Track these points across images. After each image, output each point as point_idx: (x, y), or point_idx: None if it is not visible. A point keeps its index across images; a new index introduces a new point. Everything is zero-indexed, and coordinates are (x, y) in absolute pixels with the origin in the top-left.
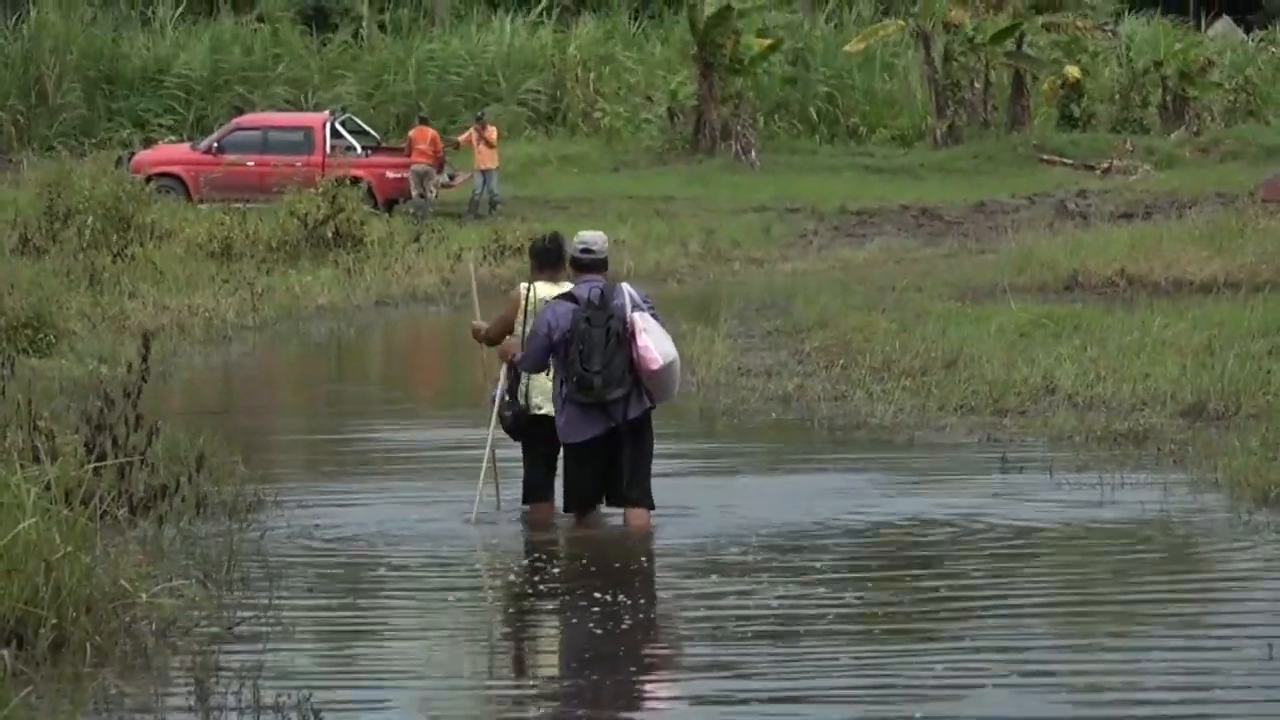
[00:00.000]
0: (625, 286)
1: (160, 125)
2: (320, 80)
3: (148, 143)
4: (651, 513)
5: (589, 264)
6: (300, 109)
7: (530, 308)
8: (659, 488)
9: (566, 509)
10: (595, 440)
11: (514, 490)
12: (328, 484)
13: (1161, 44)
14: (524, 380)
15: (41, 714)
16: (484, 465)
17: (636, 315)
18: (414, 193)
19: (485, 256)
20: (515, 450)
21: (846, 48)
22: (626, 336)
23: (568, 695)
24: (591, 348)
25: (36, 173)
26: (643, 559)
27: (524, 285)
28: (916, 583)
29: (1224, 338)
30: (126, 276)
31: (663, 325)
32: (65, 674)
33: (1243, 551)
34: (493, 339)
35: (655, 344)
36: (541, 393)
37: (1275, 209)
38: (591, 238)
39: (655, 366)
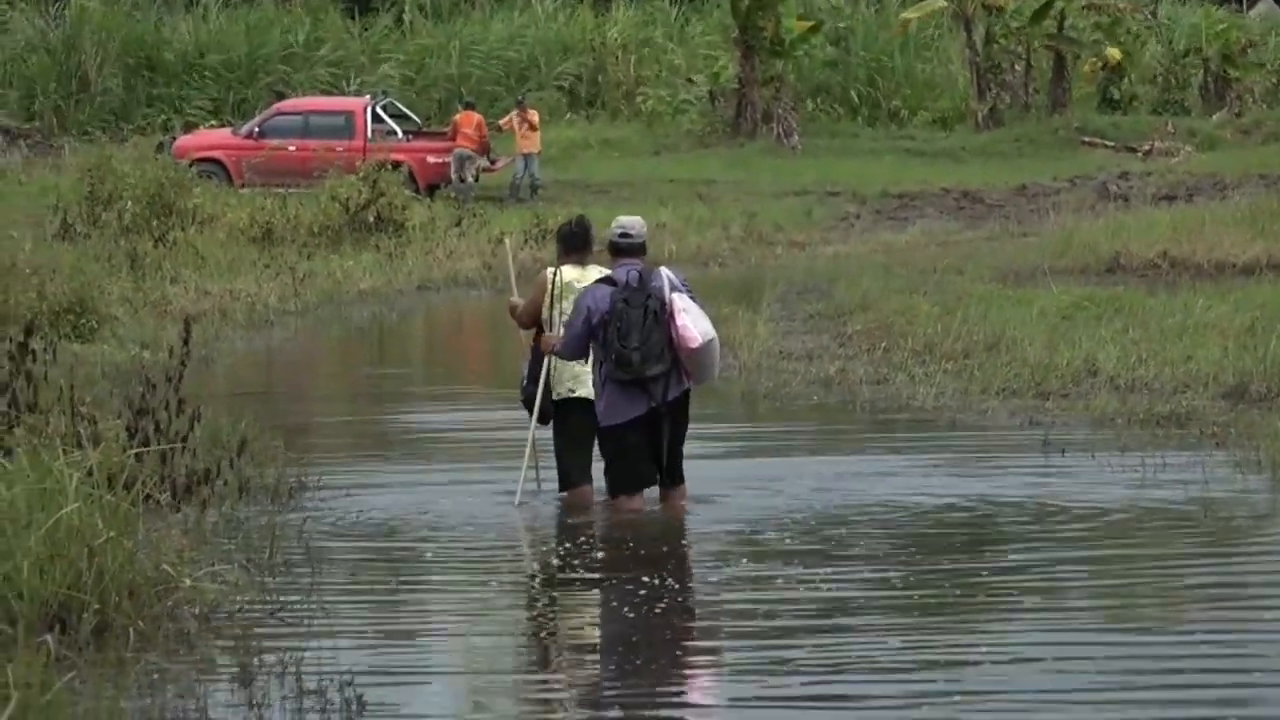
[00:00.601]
0: (663, 270)
1: (201, 110)
2: (362, 64)
3: (188, 128)
4: (686, 486)
5: (627, 248)
6: (341, 93)
7: (557, 291)
8: (704, 470)
9: (612, 493)
10: (637, 420)
11: (554, 475)
12: (370, 468)
13: (1203, 25)
14: (548, 363)
15: (85, 699)
16: (527, 449)
17: (675, 296)
18: (454, 176)
19: (526, 240)
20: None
21: (902, 15)
22: (665, 316)
23: (611, 683)
24: (629, 326)
25: (77, 158)
26: (684, 543)
27: (550, 270)
28: (956, 564)
29: (1266, 319)
30: (168, 261)
31: (701, 307)
32: (108, 659)
33: None
34: (523, 324)
35: (694, 323)
36: (572, 376)
37: None
38: (630, 222)
39: (695, 345)
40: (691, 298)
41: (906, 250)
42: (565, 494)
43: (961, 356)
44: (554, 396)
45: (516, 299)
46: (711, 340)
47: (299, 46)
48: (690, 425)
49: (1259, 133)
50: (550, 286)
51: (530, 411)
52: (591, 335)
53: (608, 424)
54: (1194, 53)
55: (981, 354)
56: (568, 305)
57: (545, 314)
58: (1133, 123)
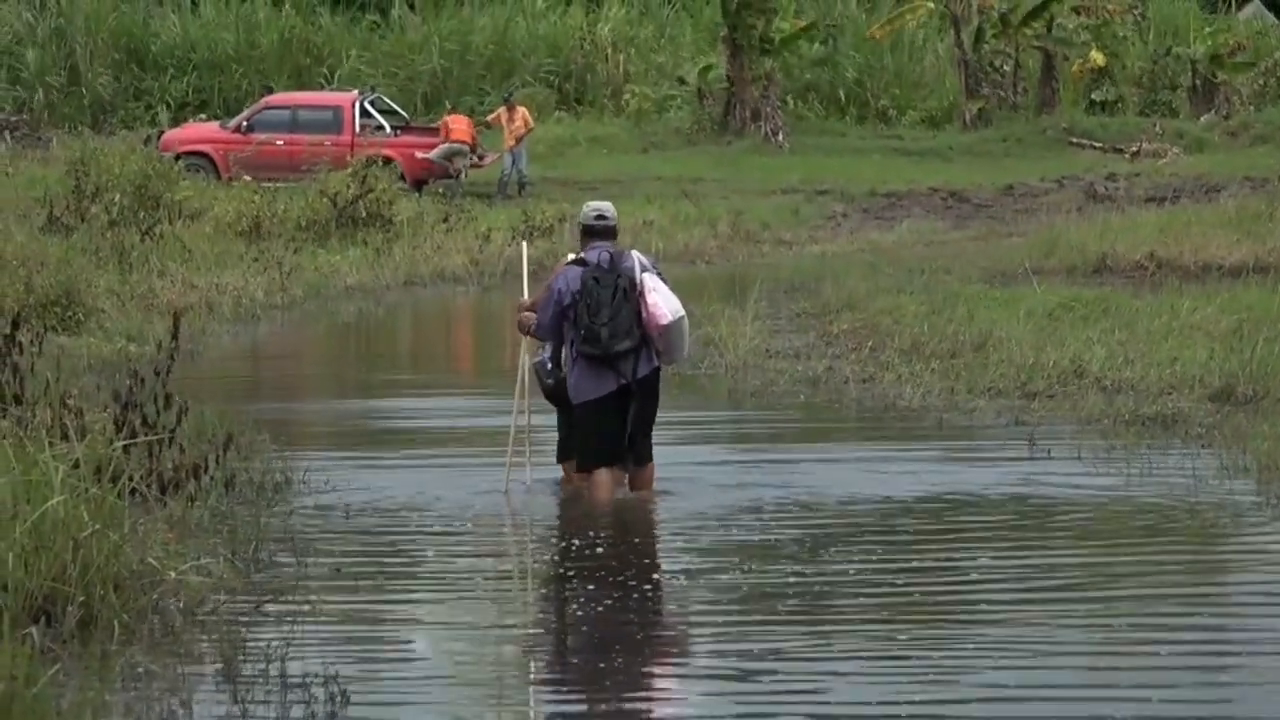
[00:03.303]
0: (634, 252)
1: (188, 104)
2: (349, 59)
3: (175, 122)
4: (654, 465)
5: (601, 230)
6: (327, 88)
7: None
8: (688, 463)
9: (580, 469)
10: (606, 398)
11: (539, 464)
12: (355, 461)
13: (1190, 27)
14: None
15: (70, 691)
16: (511, 437)
17: (645, 276)
18: (440, 161)
19: (514, 237)
20: (541, 420)
21: (868, 32)
22: (634, 294)
23: (591, 674)
24: (599, 303)
25: (65, 150)
26: (666, 534)
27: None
28: (939, 561)
29: (1253, 322)
30: (155, 255)
31: (672, 289)
32: (93, 652)
33: (1271, 535)
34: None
35: (664, 301)
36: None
37: None
38: (603, 206)
39: (665, 322)
40: (661, 278)
41: (893, 249)
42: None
43: (948, 356)
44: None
45: (525, 300)
46: (681, 318)
47: (287, 41)
48: (681, 423)
49: (1246, 135)
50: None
51: (553, 401)
52: (564, 315)
53: (578, 400)
54: (1181, 54)
55: (968, 354)
56: None
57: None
58: (1120, 124)
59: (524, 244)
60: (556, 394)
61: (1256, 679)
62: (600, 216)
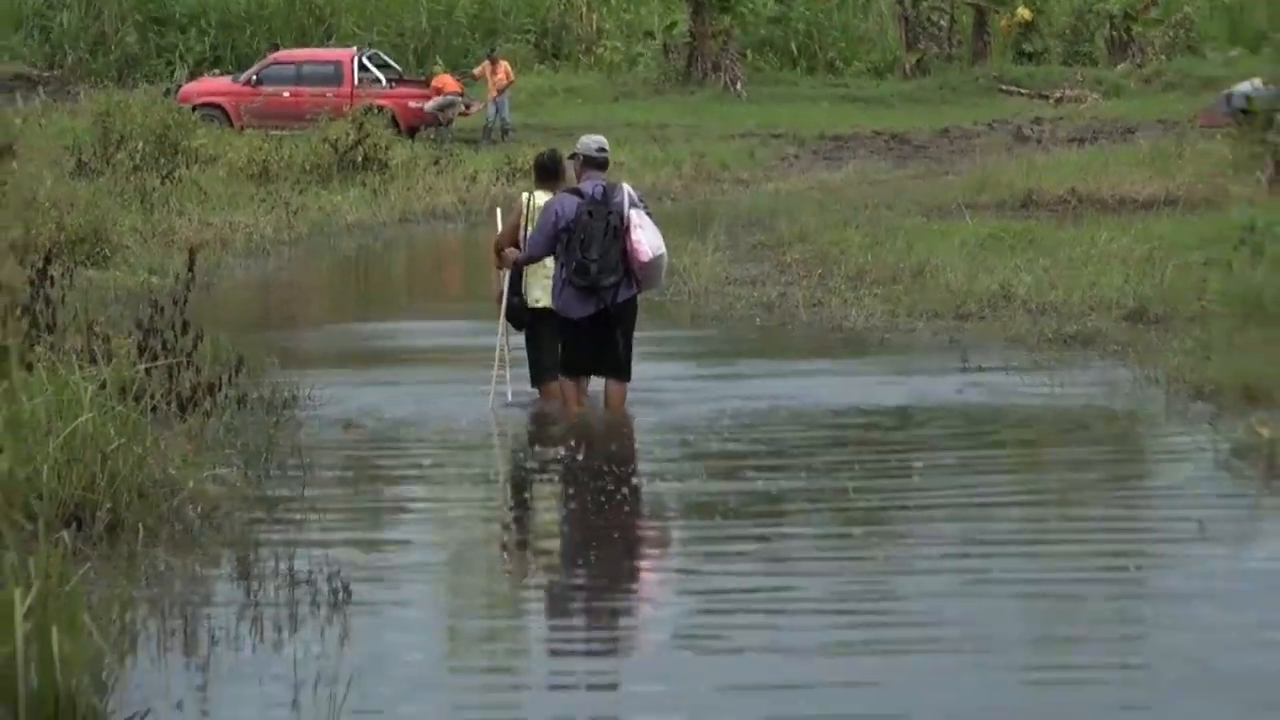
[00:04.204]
0: (625, 186)
1: (204, 60)
2: (346, 20)
3: (192, 76)
4: (629, 384)
5: (601, 162)
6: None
7: (529, 214)
8: (657, 377)
9: (564, 373)
10: (588, 319)
11: (521, 378)
12: (356, 379)
13: None
14: (524, 277)
15: (98, 588)
16: (496, 357)
17: (633, 212)
18: (433, 112)
19: (498, 177)
20: (521, 340)
21: None
22: (623, 230)
23: (571, 573)
24: (591, 238)
25: (92, 103)
26: (637, 443)
27: (525, 194)
28: (881, 464)
29: (1163, 250)
30: (174, 196)
31: (655, 223)
32: (119, 553)
33: (1178, 440)
34: (500, 244)
35: (647, 239)
36: (540, 287)
37: (1210, 134)
38: (601, 139)
39: (646, 258)
40: (647, 213)
41: (840, 187)
42: (535, 388)
43: (889, 282)
44: (529, 304)
45: (503, 239)
46: (661, 255)
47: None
48: (649, 342)
49: (1158, 82)
50: (525, 209)
51: (513, 323)
52: (556, 238)
53: (564, 316)
54: (1100, 10)
55: (907, 280)
56: None
57: (520, 233)
58: (1045, 73)
59: (498, 212)
60: (518, 319)
61: (1163, 555)
62: (601, 149)
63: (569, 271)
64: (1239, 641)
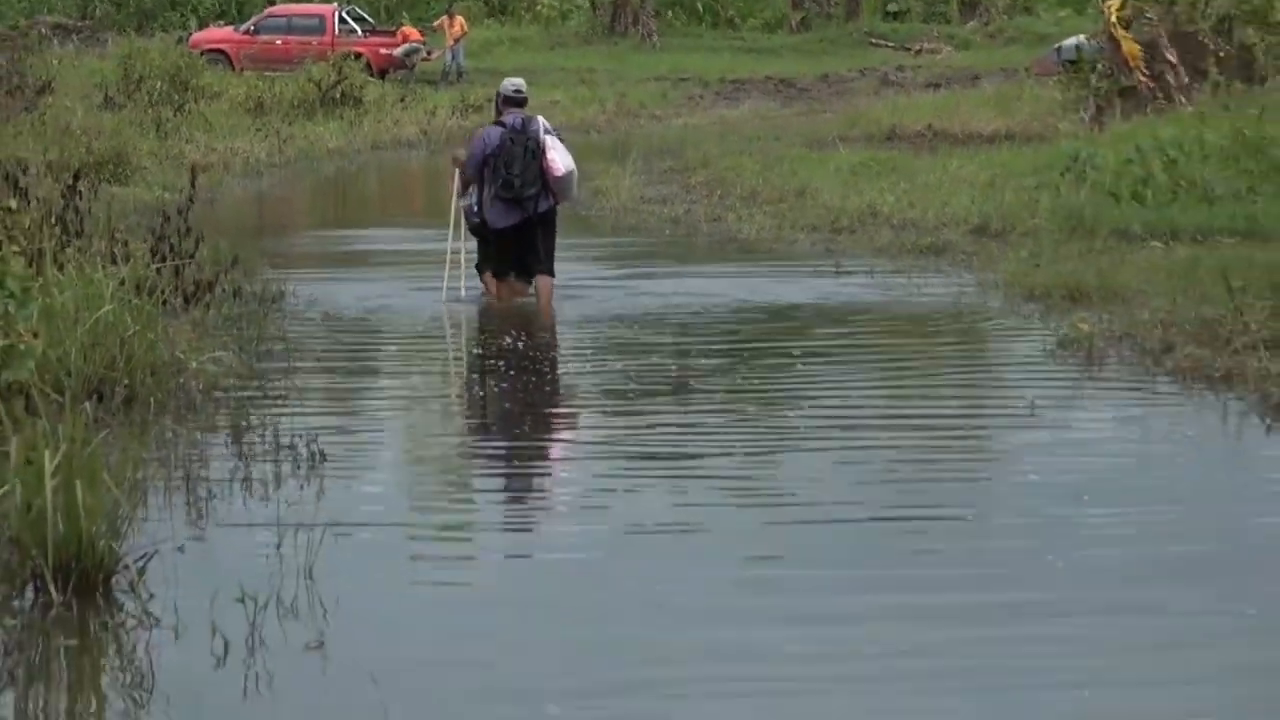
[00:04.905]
0: (539, 118)
1: (211, 12)
2: None
3: (201, 26)
4: (554, 280)
5: (518, 100)
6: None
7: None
8: (586, 279)
9: (489, 271)
10: (513, 227)
11: (469, 279)
12: (335, 276)
13: None
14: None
15: (115, 451)
16: (448, 259)
17: (547, 138)
18: (401, 57)
19: (453, 112)
20: (471, 245)
21: None
22: (539, 152)
23: (511, 435)
24: (513, 159)
25: (117, 49)
26: (562, 331)
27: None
28: (769, 346)
29: (1003, 176)
30: (184, 126)
31: (566, 148)
32: (134, 421)
33: (1014, 332)
34: (461, 162)
35: (560, 158)
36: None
37: (1043, 81)
38: (519, 82)
39: (559, 173)
40: (559, 139)
41: (737, 123)
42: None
43: (776, 201)
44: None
45: (460, 155)
46: (571, 171)
47: None
48: (576, 248)
49: (1001, 37)
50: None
51: (476, 234)
52: (484, 163)
53: (494, 227)
54: None
55: (791, 200)
56: None
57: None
58: (908, 28)
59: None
60: (478, 230)
61: (1000, 426)
62: (517, 90)
63: (495, 187)
64: (1061, 497)
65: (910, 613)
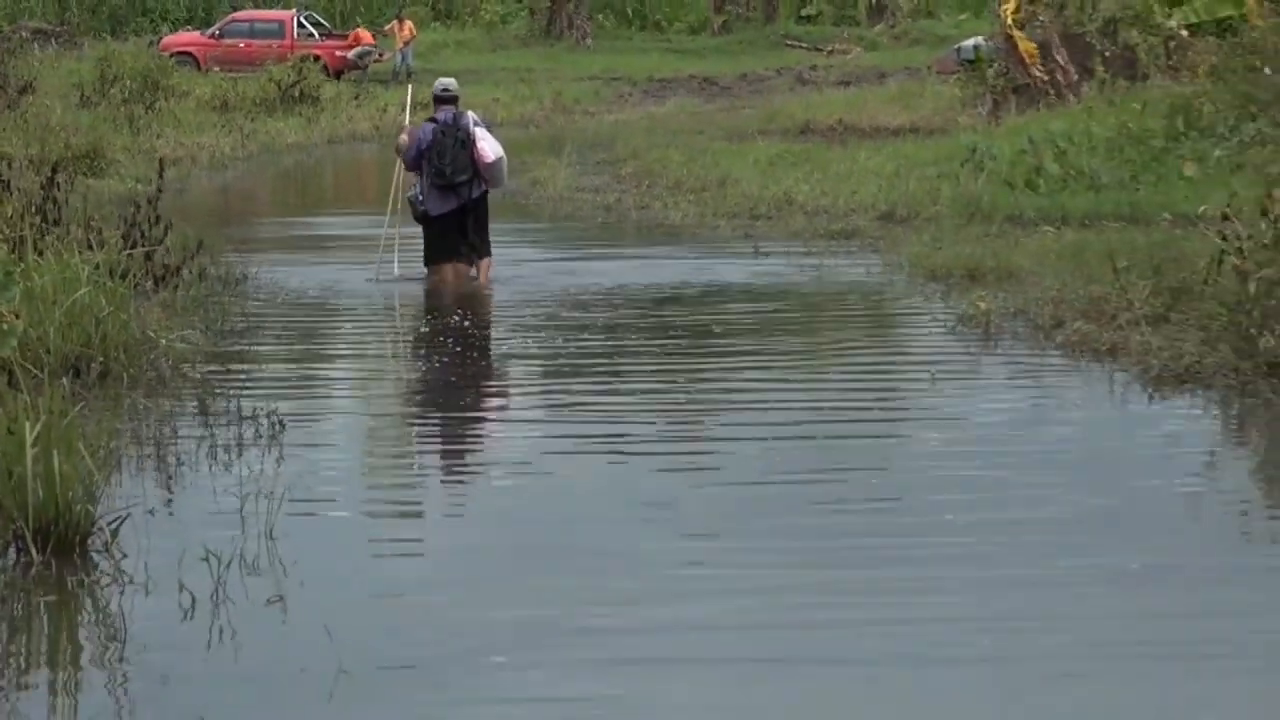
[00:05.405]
0: (470, 113)
1: (180, 18)
2: None
3: (171, 30)
4: (491, 259)
5: (447, 99)
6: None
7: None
8: (523, 262)
9: (434, 263)
10: (450, 213)
11: (410, 259)
12: (292, 260)
13: None
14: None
15: (91, 422)
16: (382, 243)
17: (477, 130)
18: (355, 59)
19: (403, 109)
20: (412, 230)
21: None
22: (469, 142)
23: (453, 407)
24: (444, 150)
25: (93, 51)
26: (499, 310)
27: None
28: (692, 320)
29: (908, 166)
30: (155, 123)
31: (497, 139)
32: (108, 394)
33: (917, 309)
34: (402, 154)
35: (489, 146)
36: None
37: (944, 79)
38: (449, 82)
39: (489, 160)
40: (490, 130)
41: (664, 118)
42: (426, 269)
43: (700, 190)
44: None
45: (407, 125)
46: (501, 157)
47: None
48: (515, 233)
49: (906, 39)
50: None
51: (421, 222)
52: (421, 156)
53: (432, 214)
54: None
55: (714, 189)
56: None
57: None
58: (820, 31)
59: (409, 86)
60: (423, 218)
61: (904, 393)
62: (445, 90)
63: (430, 176)
64: (964, 453)
65: (817, 562)
